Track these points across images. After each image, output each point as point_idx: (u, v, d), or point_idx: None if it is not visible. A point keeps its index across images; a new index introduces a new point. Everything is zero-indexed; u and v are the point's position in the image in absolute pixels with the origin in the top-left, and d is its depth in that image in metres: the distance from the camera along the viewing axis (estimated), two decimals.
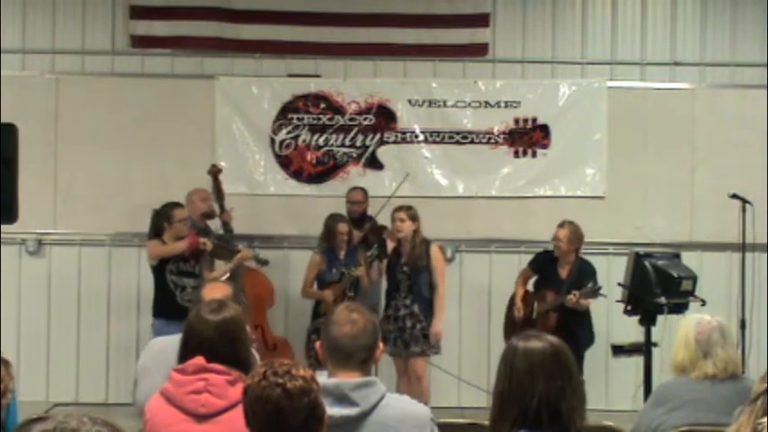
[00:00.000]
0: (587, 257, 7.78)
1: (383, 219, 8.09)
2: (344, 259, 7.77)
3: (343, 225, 7.80)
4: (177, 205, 7.69)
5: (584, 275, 7.59)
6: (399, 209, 7.50)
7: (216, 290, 4.16)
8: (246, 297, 7.72)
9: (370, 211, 8.26)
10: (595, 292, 7.39)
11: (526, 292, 7.85)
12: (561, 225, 7.67)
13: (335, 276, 7.73)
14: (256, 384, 2.66)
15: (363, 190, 8.36)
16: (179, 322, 7.54)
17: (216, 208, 7.88)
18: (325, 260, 7.79)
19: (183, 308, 7.58)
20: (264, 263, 8.04)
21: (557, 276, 7.65)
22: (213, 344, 3.42)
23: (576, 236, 7.63)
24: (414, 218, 7.44)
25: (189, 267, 7.57)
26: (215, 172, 7.94)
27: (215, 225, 8.00)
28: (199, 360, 3.38)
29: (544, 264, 7.75)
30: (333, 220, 7.87)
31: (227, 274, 7.49)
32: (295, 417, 2.62)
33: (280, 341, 7.99)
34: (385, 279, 7.71)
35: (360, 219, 8.15)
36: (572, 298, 7.34)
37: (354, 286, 7.69)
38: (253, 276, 8.02)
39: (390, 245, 7.57)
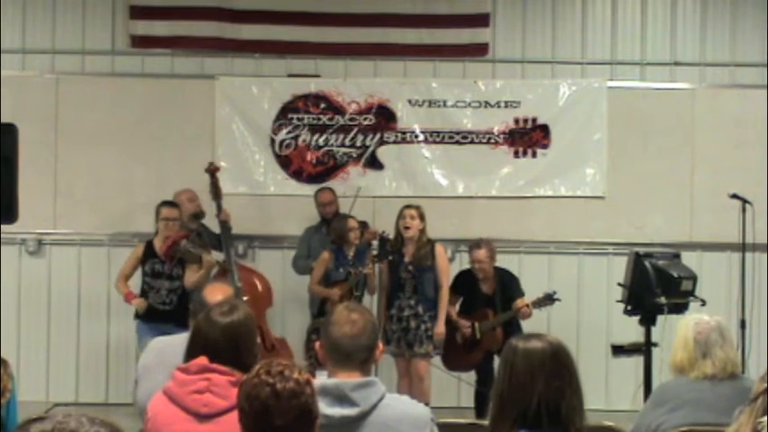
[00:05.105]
0: (586, 257, 7.75)
1: (385, 219, 8.09)
2: (353, 259, 7.71)
3: (353, 222, 7.76)
4: (167, 204, 7.65)
5: (508, 285, 7.58)
6: (409, 207, 7.46)
7: (216, 291, 4.13)
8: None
9: (370, 210, 8.26)
10: (551, 299, 7.38)
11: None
12: (478, 246, 7.55)
13: (341, 276, 7.65)
14: (248, 381, 2.67)
15: (332, 190, 8.36)
16: (157, 324, 7.48)
17: (213, 207, 7.78)
18: (333, 258, 7.74)
19: (156, 310, 7.55)
20: (227, 271, 7.66)
21: (482, 293, 7.58)
22: (217, 346, 3.39)
23: (494, 252, 7.58)
24: (422, 217, 7.43)
25: (165, 269, 7.53)
26: (213, 170, 7.81)
27: (213, 224, 7.98)
28: (202, 360, 3.37)
29: (466, 284, 7.64)
30: (343, 219, 7.83)
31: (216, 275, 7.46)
32: (281, 417, 2.61)
33: (278, 342, 7.93)
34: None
35: (332, 219, 8.11)
36: (527, 310, 7.33)
37: (362, 286, 7.64)
38: (250, 276, 7.90)
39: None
